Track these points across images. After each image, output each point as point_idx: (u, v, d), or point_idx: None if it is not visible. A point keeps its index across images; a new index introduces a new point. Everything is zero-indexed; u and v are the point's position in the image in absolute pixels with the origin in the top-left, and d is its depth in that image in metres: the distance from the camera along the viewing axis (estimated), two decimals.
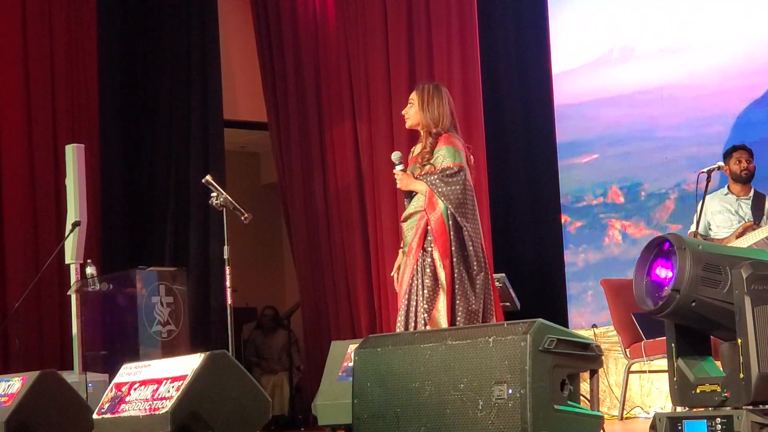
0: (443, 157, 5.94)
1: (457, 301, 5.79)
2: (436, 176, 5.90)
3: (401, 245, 6.08)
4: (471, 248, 5.88)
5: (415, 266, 5.85)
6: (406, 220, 6.02)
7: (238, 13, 10.54)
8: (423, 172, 5.95)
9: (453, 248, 5.83)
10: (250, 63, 10.42)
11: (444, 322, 5.73)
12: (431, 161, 5.96)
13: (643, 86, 8.48)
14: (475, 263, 5.87)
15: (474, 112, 8.48)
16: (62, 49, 9.59)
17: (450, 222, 5.85)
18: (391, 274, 6.17)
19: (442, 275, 5.79)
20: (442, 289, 5.80)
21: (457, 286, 5.80)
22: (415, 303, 5.82)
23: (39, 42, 9.47)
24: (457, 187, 5.89)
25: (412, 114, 6.09)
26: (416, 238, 5.88)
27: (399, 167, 6.02)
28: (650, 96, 8.43)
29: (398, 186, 6.06)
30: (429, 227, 5.87)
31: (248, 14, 10.46)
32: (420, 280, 5.82)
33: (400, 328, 5.85)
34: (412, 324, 5.80)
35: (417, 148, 6.10)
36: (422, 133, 6.07)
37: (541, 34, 8.90)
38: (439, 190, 5.87)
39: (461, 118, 7.64)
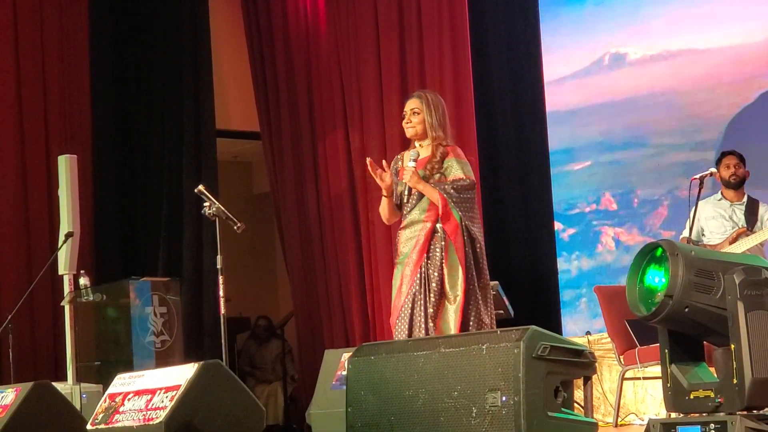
0: (454, 169, 5.88)
1: (471, 314, 5.76)
2: (449, 186, 5.82)
3: (396, 258, 5.97)
4: (482, 261, 5.85)
5: (416, 276, 5.80)
6: (405, 228, 5.94)
7: (230, 23, 10.53)
8: (434, 181, 5.87)
9: (468, 260, 5.80)
10: (242, 73, 10.41)
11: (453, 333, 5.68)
12: (441, 171, 5.89)
13: (635, 93, 8.49)
14: (485, 276, 5.85)
15: (466, 120, 8.48)
16: (54, 59, 9.59)
17: (465, 233, 5.81)
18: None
19: (458, 285, 5.72)
20: (447, 299, 5.77)
21: (471, 298, 5.75)
22: (419, 312, 5.76)
23: (31, 53, 9.46)
24: (471, 201, 5.85)
25: (417, 122, 5.93)
26: (417, 249, 5.82)
27: (412, 164, 5.85)
28: (642, 103, 8.44)
29: (405, 179, 5.84)
30: (436, 235, 5.80)
31: (240, 24, 10.45)
32: (424, 289, 5.77)
33: (401, 336, 5.77)
34: (416, 333, 5.74)
35: (407, 156, 5.96)
36: (428, 143, 5.95)
37: (533, 41, 8.89)
38: (454, 200, 5.79)
39: (453, 127, 7.64)
